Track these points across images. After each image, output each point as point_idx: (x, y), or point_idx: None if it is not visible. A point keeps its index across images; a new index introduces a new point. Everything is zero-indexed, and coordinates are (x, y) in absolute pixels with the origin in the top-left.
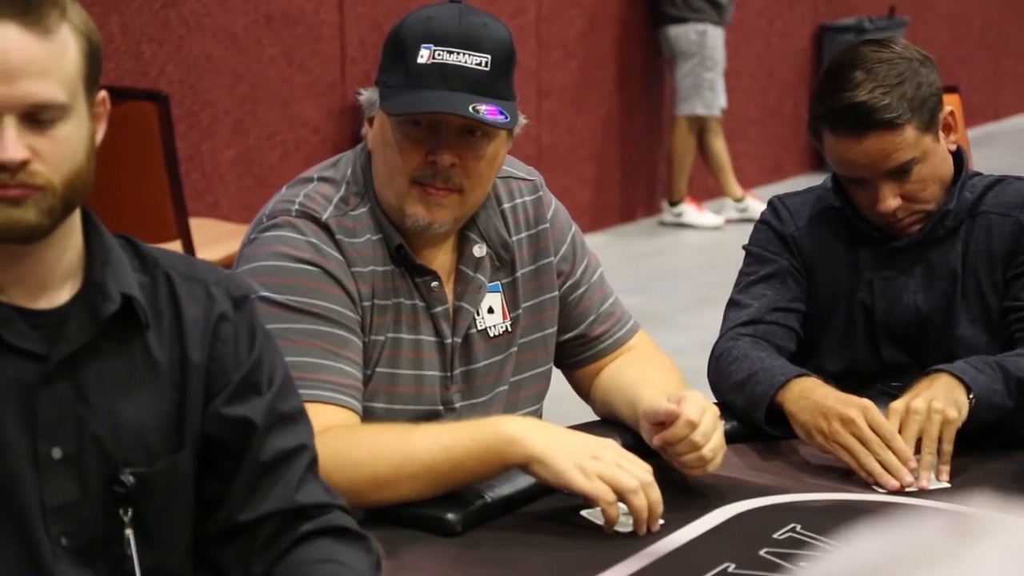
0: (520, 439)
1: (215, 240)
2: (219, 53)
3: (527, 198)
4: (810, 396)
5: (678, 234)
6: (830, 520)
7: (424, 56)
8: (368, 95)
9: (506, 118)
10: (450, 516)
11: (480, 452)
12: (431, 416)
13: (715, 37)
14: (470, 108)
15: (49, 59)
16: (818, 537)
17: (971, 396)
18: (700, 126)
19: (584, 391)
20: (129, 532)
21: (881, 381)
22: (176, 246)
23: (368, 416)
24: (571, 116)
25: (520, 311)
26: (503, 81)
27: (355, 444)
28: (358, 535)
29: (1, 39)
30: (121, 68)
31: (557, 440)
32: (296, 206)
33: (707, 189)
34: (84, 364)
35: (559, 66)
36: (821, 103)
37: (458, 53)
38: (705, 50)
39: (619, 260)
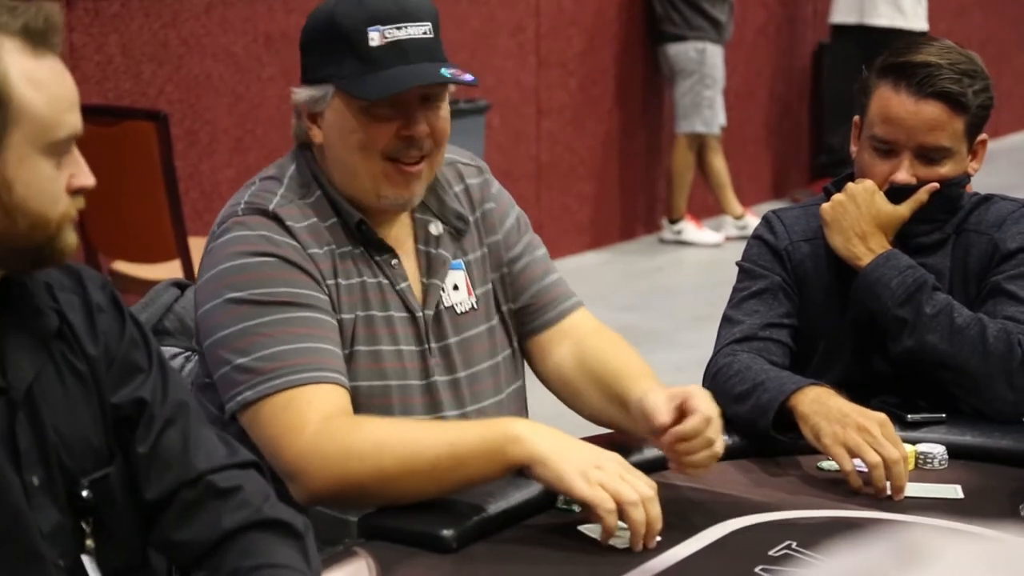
0: (525, 438)
1: None
2: (218, 73)
3: (475, 180)
4: (826, 402)
5: (678, 252)
6: (826, 537)
7: (375, 39)
8: (309, 93)
9: (469, 76)
10: (445, 532)
11: (485, 449)
12: (414, 393)
13: (714, 55)
14: (442, 73)
15: None
16: (813, 554)
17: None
18: (700, 144)
19: (537, 363)
20: (90, 543)
21: (873, 393)
22: (175, 265)
23: (357, 394)
24: (570, 134)
25: (484, 288)
26: (441, 44)
27: (361, 437)
28: (282, 524)
29: (61, 71)
30: (120, 88)
31: (562, 444)
32: (242, 205)
33: (707, 207)
34: (33, 387)
35: (558, 84)
36: (895, 57)
37: (405, 27)
38: (704, 68)
39: (619, 278)
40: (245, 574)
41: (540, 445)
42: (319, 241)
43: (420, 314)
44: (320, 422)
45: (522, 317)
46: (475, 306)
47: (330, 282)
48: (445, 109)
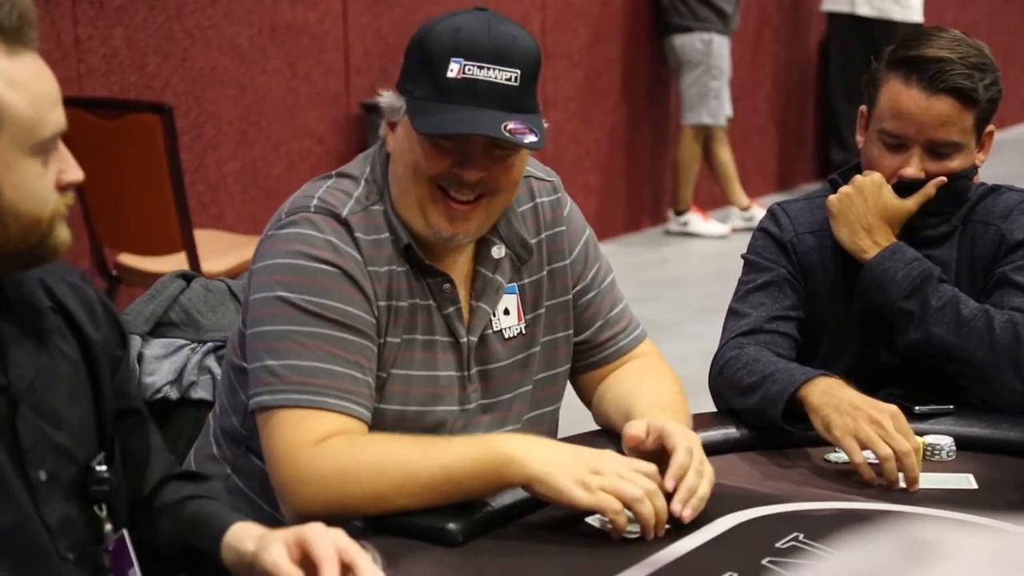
0: (519, 459)
1: (220, 251)
2: (224, 65)
3: (546, 199)
4: (836, 393)
5: (684, 243)
6: (833, 529)
7: (454, 70)
8: (390, 100)
9: (536, 136)
10: (451, 526)
11: (480, 473)
12: (448, 418)
13: (721, 46)
14: (501, 127)
15: None
16: (820, 546)
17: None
18: (706, 135)
19: (587, 397)
20: (109, 527)
21: (880, 385)
22: (181, 257)
23: (382, 418)
24: (576, 126)
25: (536, 313)
26: (531, 94)
27: (356, 459)
28: (199, 474)
29: (40, 68)
30: (126, 80)
31: (556, 457)
32: (316, 201)
33: (713, 198)
34: (34, 382)
35: (564, 76)
36: (906, 50)
37: (488, 68)
38: (711, 59)
39: (625, 269)
40: (174, 506)
41: (534, 464)
42: (380, 258)
43: (464, 340)
44: (317, 444)
45: (579, 350)
46: (523, 331)
47: (381, 304)
48: (518, 159)
